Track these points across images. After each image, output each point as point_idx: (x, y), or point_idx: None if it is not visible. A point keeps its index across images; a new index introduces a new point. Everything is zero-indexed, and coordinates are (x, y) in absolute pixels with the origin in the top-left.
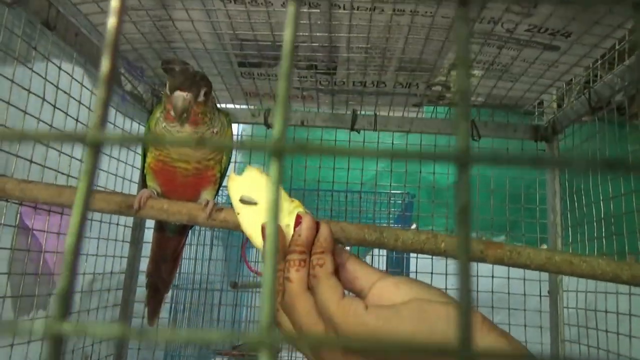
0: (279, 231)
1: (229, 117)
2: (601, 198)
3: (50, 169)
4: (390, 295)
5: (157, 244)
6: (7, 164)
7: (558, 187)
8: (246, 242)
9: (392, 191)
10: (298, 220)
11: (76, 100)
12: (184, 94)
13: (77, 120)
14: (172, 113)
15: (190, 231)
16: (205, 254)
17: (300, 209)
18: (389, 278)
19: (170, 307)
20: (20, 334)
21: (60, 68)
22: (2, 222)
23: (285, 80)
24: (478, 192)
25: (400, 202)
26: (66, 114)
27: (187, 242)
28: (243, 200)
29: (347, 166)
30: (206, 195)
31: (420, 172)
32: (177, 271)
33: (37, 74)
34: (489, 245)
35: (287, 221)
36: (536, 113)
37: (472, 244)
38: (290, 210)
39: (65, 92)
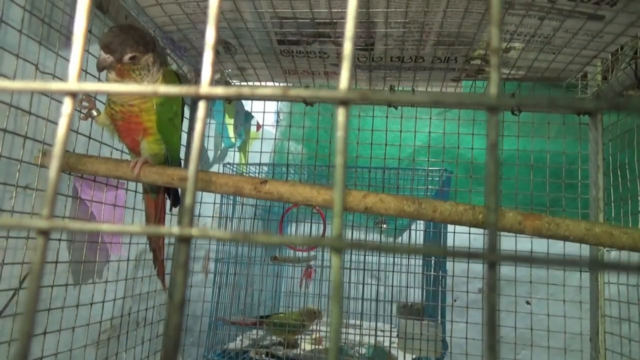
0: None
1: (174, 76)
2: None
3: (105, 144)
4: None
5: (146, 206)
6: (69, 139)
7: (601, 161)
8: (283, 217)
9: (430, 167)
10: None
11: None
12: (106, 56)
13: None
14: None
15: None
16: (246, 228)
17: None
18: None
19: (214, 278)
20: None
21: None
22: (66, 193)
23: (350, 42)
24: (518, 168)
25: (437, 178)
26: None
27: (166, 206)
28: None
29: (385, 142)
30: (145, 145)
31: (458, 147)
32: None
33: (92, 55)
34: (527, 216)
35: None
36: (579, 86)
37: (510, 215)
38: None
39: None
